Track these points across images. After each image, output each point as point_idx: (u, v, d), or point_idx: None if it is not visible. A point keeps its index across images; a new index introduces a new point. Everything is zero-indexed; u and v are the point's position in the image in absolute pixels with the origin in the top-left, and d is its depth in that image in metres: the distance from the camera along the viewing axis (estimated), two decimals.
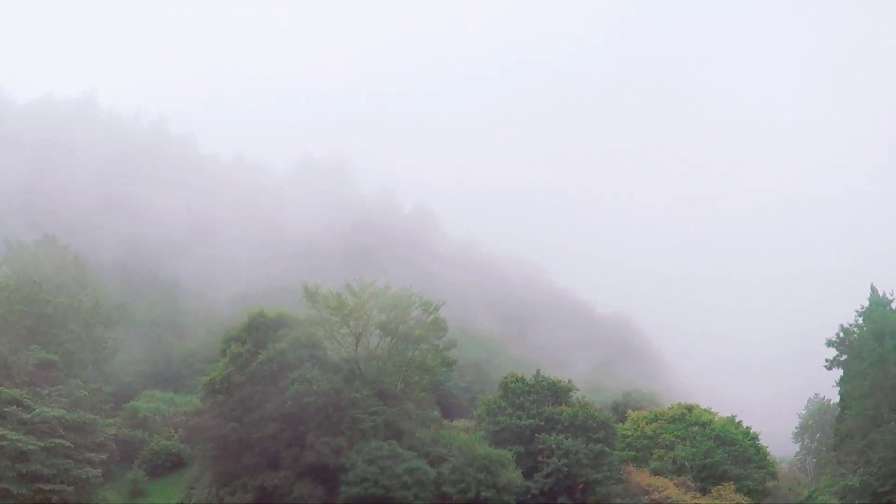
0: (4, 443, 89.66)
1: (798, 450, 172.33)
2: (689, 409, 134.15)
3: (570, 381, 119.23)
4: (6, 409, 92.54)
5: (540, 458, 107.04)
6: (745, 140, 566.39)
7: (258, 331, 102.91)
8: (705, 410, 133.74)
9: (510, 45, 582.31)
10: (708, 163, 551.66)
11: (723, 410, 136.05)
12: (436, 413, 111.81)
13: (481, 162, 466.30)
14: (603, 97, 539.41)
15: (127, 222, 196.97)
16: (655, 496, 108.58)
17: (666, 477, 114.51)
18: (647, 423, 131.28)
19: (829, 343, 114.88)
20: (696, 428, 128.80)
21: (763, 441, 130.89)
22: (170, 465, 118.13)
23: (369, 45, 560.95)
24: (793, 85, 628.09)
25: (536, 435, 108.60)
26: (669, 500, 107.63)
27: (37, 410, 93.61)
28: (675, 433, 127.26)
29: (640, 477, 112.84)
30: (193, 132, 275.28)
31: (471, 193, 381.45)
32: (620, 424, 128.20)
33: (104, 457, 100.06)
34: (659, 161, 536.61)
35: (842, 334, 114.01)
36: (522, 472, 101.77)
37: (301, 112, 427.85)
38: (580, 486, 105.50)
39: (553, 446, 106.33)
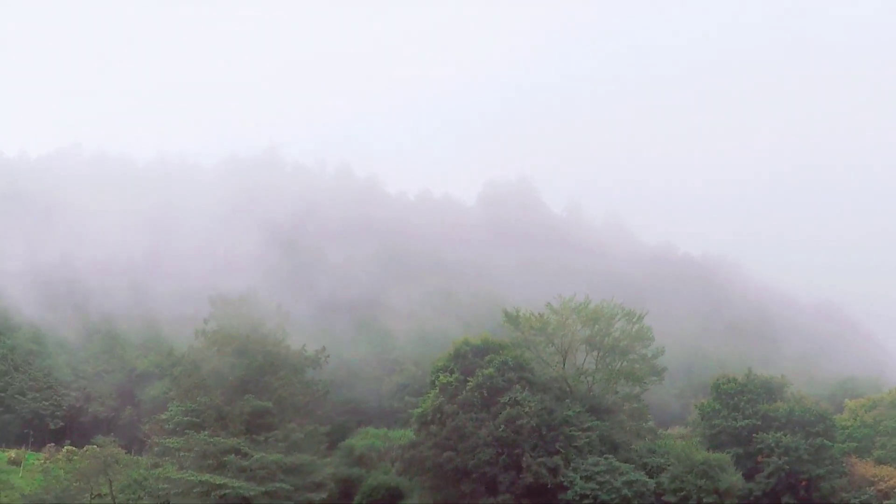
0: (227, 490, 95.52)
1: None
2: None
3: (782, 377, 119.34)
4: (226, 458, 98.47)
5: (759, 459, 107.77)
6: None
7: (464, 359, 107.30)
8: None
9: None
10: None
11: None
12: (650, 423, 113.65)
13: (665, 163, 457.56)
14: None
15: (322, 266, 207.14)
16: (881, 486, 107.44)
17: (891, 466, 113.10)
18: (865, 412, 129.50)
19: None
20: None
21: None
22: (389, 498, 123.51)
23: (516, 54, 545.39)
24: None
25: (754, 435, 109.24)
26: None
27: (256, 457, 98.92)
28: None
29: (864, 468, 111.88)
30: (376, 173, 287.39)
31: (658, 195, 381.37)
32: (838, 415, 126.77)
33: (324, 496, 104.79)
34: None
35: None
36: (742, 474, 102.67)
37: (472, 138, 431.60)
38: (803, 483, 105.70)
39: (772, 445, 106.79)
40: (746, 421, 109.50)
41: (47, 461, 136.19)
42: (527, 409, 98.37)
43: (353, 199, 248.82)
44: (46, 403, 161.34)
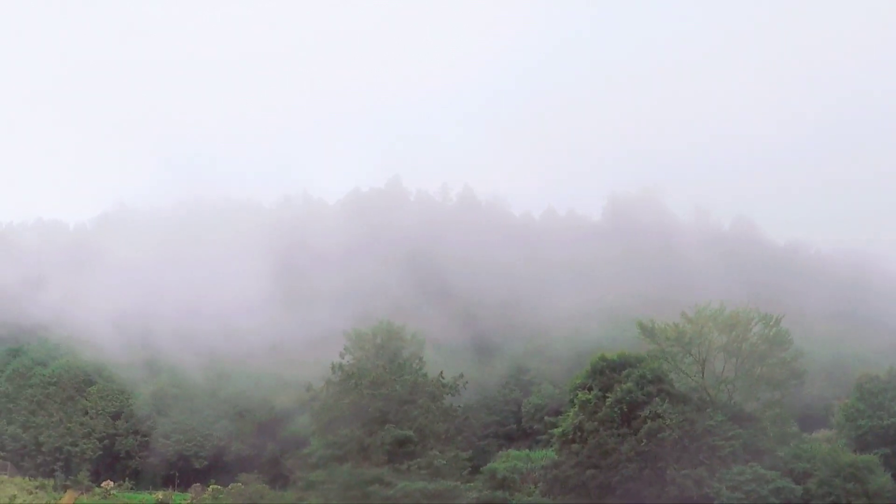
0: None
1: None
2: None
3: None
4: (370, 489, 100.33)
5: None
6: None
7: (602, 375, 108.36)
8: None
9: None
10: None
11: None
12: (794, 428, 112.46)
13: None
14: None
15: (453, 291, 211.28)
16: None
17: None
18: None
19: None
20: None
21: None
22: None
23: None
24: None
25: None
26: None
27: (399, 486, 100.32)
28: None
29: None
30: (501, 195, 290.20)
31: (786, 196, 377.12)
32: None
33: None
34: None
35: None
36: (892, 475, 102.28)
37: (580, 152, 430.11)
38: None
39: None
40: (893, 419, 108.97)
41: (194, 501, 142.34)
42: (668, 422, 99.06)
43: (478, 223, 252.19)
44: (190, 445, 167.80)
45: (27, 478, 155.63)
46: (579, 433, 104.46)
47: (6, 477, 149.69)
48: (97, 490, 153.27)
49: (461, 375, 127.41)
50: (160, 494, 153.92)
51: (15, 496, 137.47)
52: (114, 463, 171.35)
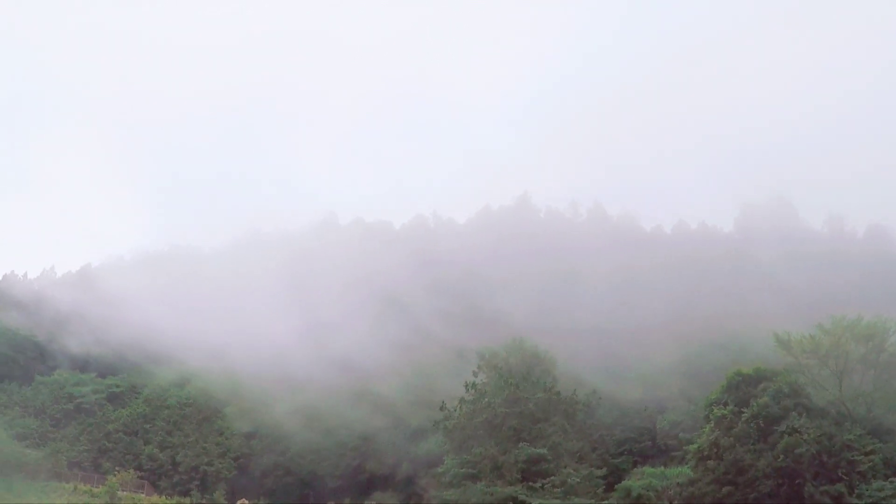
0: None
1: None
2: None
3: None
4: None
5: None
6: None
7: (737, 390, 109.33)
8: None
9: None
10: None
11: None
12: None
13: None
14: None
15: (584, 307, 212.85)
16: None
17: None
18: None
19: None
20: None
21: None
22: None
23: None
24: None
25: None
26: None
27: None
28: None
29: None
30: (631, 209, 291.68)
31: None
32: None
33: None
34: None
35: None
36: None
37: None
38: None
39: None
40: None
41: None
42: (805, 437, 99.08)
43: (609, 239, 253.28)
44: (325, 464, 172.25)
45: (164, 497, 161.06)
46: (715, 449, 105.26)
47: (144, 496, 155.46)
48: None
49: (594, 391, 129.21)
50: None
51: None
52: (249, 482, 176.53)
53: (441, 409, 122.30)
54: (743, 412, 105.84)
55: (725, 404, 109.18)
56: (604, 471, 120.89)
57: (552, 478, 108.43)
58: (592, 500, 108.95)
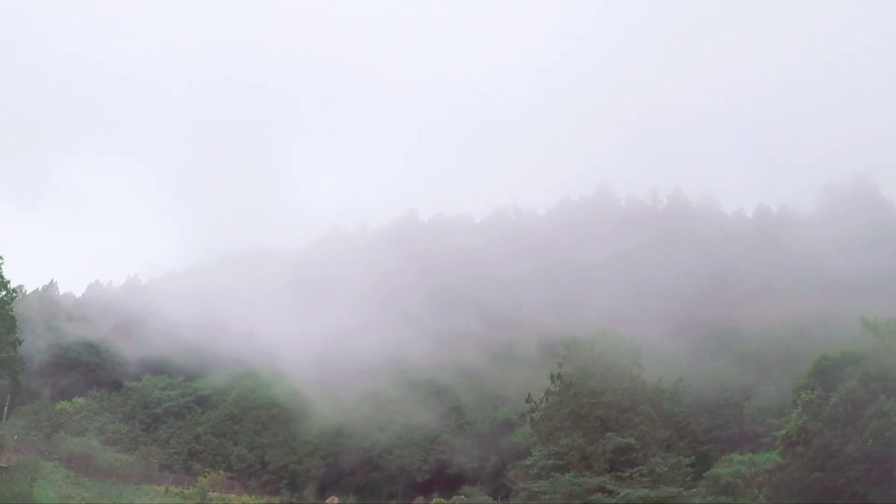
0: None
1: None
2: None
3: None
4: (592, 498, 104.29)
5: None
6: None
7: (825, 374, 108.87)
8: None
9: None
10: None
11: None
12: None
13: None
14: None
15: (667, 293, 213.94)
16: None
17: None
18: None
19: None
20: None
21: None
22: None
23: None
24: None
25: None
26: None
27: (622, 494, 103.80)
28: None
29: None
30: (712, 195, 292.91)
31: None
32: None
33: None
34: None
35: None
36: None
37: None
38: None
39: None
40: None
41: None
42: (894, 420, 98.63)
43: (688, 224, 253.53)
44: (413, 459, 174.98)
45: (254, 496, 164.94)
46: (803, 435, 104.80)
47: (234, 496, 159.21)
48: None
49: (680, 379, 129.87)
50: None
51: None
52: (338, 479, 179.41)
53: (527, 401, 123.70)
54: (831, 396, 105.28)
55: (813, 389, 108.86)
56: (691, 459, 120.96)
57: (640, 467, 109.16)
58: (681, 489, 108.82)
